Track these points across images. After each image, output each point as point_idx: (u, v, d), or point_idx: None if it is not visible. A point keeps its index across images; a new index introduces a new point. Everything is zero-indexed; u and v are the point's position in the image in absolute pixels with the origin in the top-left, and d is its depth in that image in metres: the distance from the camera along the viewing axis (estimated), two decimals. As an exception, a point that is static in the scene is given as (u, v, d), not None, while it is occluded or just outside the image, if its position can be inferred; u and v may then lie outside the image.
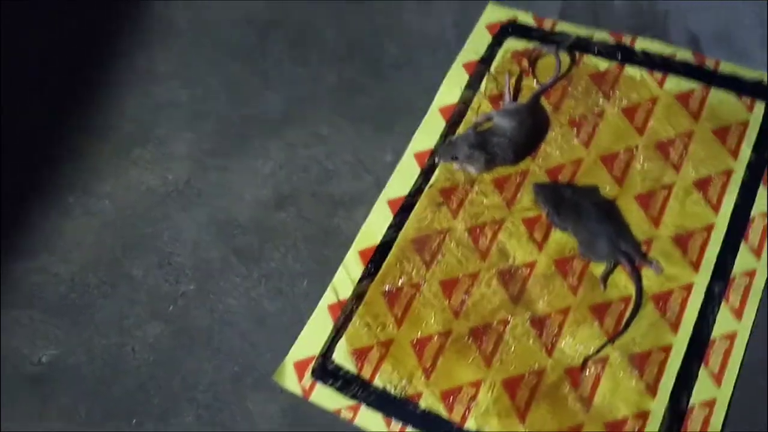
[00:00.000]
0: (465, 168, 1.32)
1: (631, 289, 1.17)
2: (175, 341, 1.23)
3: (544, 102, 1.39)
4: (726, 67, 1.38)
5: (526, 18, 1.50)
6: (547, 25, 1.48)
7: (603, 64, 1.41)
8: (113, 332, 1.25)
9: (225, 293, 1.27)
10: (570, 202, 1.22)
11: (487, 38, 1.48)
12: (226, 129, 1.44)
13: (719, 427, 1.08)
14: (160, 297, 1.28)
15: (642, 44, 1.43)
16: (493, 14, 1.51)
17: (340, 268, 1.25)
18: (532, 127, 1.33)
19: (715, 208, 1.23)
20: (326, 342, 1.18)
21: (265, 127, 1.44)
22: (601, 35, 1.45)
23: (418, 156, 1.36)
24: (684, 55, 1.41)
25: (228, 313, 1.25)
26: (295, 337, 1.20)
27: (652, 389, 1.11)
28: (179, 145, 1.43)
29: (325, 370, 1.17)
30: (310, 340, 1.19)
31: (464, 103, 1.41)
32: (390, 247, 1.27)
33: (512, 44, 1.47)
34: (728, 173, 1.26)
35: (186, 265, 1.30)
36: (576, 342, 1.15)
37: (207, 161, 1.41)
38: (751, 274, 1.17)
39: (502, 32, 1.48)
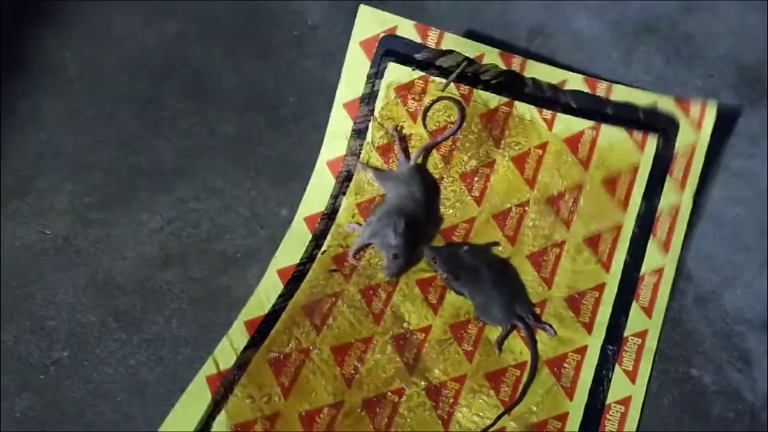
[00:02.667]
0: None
1: (527, 354, 1.14)
2: (45, 415, 1.13)
3: (433, 153, 1.31)
4: (619, 94, 1.28)
5: (407, 28, 1.29)
6: (432, 39, 1.29)
7: (493, 101, 1.30)
8: (-24, 406, 1.14)
9: (101, 361, 1.18)
10: (467, 267, 1.18)
11: (364, 65, 1.30)
12: (113, 181, 1.36)
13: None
14: (30, 366, 1.17)
15: (532, 70, 1.30)
16: (367, 23, 1.29)
17: (224, 339, 1.15)
18: (426, 199, 1.26)
19: (606, 266, 1.21)
20: (203, 417, 1.09)
21: (154, 180, 1.36)
22: (491, 56, 1.30)
23: (309, 220, 1.28)
24: (575, 81, 1.29)
25: (103, 383, 1.16)
26: (175, 410, 1.12)
27: (548, 460, 1.07)
28: (60, 198, 1.34)
29: (200, 448, 1.07)
30: (184, 416, 1.09)
31: (353, 155, 1.32)
32: (278, 316, 1.18)
33: (394, 74, 1.30)
34: (618, 228, 1.24)
35: (60, 330, 1.21)
36: (472, 413, 1.10)
37: (89, 216, 1.32)
38: (642, 335, 1.15)
39: (380, 54, 1.30)
